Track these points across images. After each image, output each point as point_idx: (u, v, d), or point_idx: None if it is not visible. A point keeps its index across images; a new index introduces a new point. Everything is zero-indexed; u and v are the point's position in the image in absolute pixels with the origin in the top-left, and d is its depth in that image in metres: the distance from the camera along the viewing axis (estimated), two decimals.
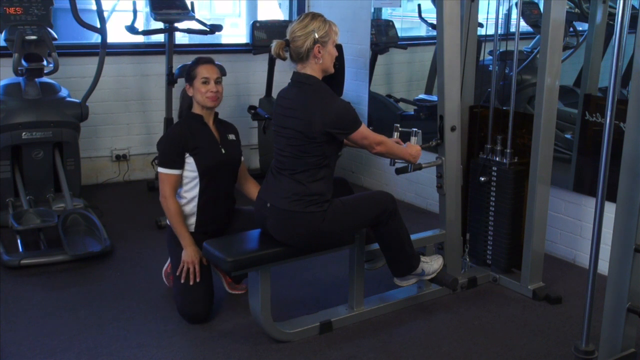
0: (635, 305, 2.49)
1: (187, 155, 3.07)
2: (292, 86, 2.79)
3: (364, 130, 2.76)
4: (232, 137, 3.24)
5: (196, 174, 3.08)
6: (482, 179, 3.42)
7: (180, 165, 3.07)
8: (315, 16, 2.72)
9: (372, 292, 3.22)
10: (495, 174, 3.38)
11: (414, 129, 3.06)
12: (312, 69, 2.74)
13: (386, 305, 3.17)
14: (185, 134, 3.09)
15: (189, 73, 3.14)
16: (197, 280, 3.00)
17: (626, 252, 2.45)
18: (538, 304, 3.26)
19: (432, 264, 3.06)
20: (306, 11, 5.64)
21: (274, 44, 2.72)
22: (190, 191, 3.11)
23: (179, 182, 3.10)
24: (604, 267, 2.64)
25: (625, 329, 2.53)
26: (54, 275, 3.50)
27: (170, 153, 3.07)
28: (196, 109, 3.15)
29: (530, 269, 3.29)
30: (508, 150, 3.33)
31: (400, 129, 3.15)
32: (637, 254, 2.43)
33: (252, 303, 2.85)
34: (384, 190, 5.05)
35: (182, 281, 3.01)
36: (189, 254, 3.02)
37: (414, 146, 3.02)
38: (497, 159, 3.38)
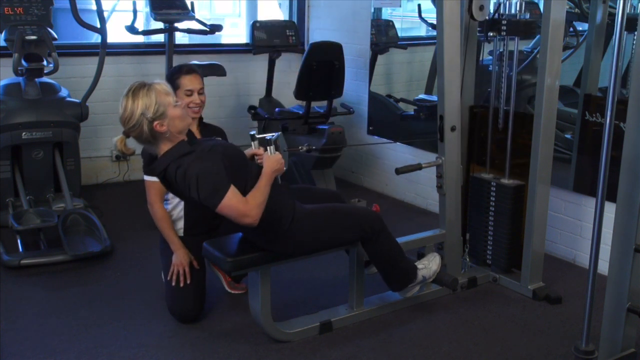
0: (635, 305, 2.49)
1: None
2: (161, 174, 2.56)
3: (226, 204, 2.45)
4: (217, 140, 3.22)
5: None
6: (491, 34, 3.33)
7: None
8: (136, 93, 2.44)
9: (372, 292, 3.22)
10: (505, 27, 3.29)
11: (270, 135, 2.72)
12: (168, 141, 2.50)
13: (386, 305, 3.17)
14: None
15: (171, 82, 3.06)
16: (188, 282, 3.02)
17: (626, 252, 2.45)
18: (538, 304, 3.26)
19: (430, 267, 3.05)
20: (306, 11, 5.64)
21: (115, 143, 2.50)
22: (176, 196, 3.11)
23: (164, 189, 3.09)
24: (604, 267, 2.64)
25: (625, 329, 2.53)
26: (54, 275, 3.49)
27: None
28: None
29: (530, 269, 3.29)
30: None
31: (257, 136, 2.78)
32: (637, 254, 2.43)
33: (252, 303, 2.85)
34: (384, 190, 5.10)
35: (173, 284, 3.02)
36: (179, 257, 3.03)
37: (271, 158, 2.63)
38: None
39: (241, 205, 2.48)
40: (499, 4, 3.31)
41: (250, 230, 2.68)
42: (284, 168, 2.68)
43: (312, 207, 2.81)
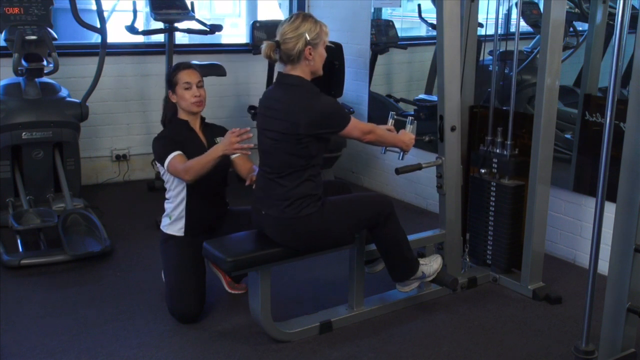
0: (635, 305, 2.49)
1: None
2: (278, 87, 2.76)
3: (353, 125, 2.75)
4: (220, 140, 3.18)
5: None
6: (483, 170, 3.41)
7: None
8: (306, 17, 2.69)
9: (372, 292, 3.22)
10: (495, 165, 3.36)
11: (410, 118, 3.04)
12: (302, 71, 2.70)
13: (386, 305, 3.17)
14: (174, 138, 3.09)
15: (170, 80, 3.12)
16: (250, 135, 2.84)
17: (626, 252, 2.45)
18: (538, 304, 3.26)
19: (431, 265, 3.06)
20: (306, 11, 5.64)
21: (265, 45, 2.68)
22: (179, 195, 3.10)
23: (184, 158, 3.00)
24: (604, 267, 2.64)
25: (625, 329, 2.53)
26: (54, 275, 3.50)
27: (167, 144, 3.04)
28: (182, 115, 3.15)
29: (530, 269, 3.29)
30: (509, 142, 3.30)
31: (396, 116, 3.14)
32: (637, 254, 2.43)
33: (252, 303, 2.85)
34: (384, 190, 5.10)
35: (251, 145, 2.86)
36: (220, 146, 2.87)
37: (407, 134, 2.98)
38: (498, 150, 3.36)
39: (363, 125, 2.82)
40: (491, 141, 3.37)
41: (271, 219, 2.74)
42: (409, 149, 2.99)
43: (337, 197, 2.85)
